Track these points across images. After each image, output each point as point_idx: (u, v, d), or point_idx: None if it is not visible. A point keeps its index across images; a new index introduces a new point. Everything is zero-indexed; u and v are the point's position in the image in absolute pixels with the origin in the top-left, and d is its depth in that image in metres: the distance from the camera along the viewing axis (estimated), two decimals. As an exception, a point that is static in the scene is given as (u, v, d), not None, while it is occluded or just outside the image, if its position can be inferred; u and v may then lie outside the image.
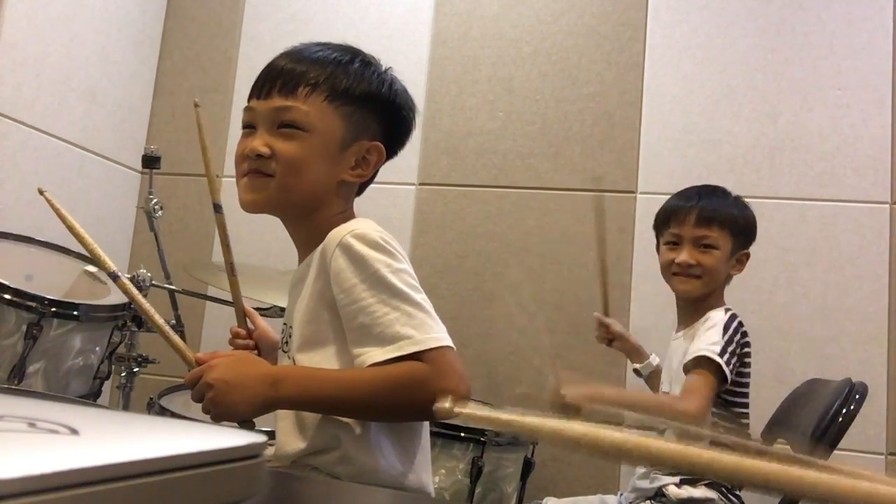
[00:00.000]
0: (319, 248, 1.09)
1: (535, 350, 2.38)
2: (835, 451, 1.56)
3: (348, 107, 1.11)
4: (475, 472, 1.61)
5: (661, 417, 1.56)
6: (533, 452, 1.81)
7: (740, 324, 1.66)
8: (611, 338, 1.95)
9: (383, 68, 1.17)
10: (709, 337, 1.62)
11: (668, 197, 1.90)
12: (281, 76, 1.11)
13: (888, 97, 2.25)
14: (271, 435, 1.30)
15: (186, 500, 0.33)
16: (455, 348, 1.02)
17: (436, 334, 1.00)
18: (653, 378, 1.92)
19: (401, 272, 1.04)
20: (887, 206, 2.21)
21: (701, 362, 1.59)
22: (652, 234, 2.34)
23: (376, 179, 1.23)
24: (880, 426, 2.11)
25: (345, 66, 1.12)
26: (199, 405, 1.03)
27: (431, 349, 0.98)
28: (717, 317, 1.67)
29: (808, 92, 2.31)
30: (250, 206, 1.13)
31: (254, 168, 1.10)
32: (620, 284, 2.35)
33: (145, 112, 2.79)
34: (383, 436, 1.06)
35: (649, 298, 2.34)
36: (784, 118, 2.31)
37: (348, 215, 1.16)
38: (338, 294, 1.04)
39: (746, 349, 1.66)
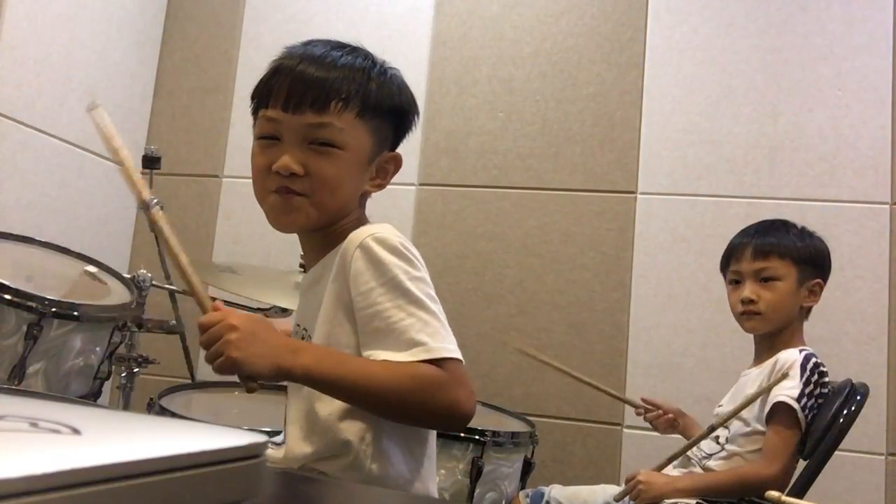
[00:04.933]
0: (339, 249, 1.08)
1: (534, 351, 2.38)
2: (835, 452, 1.56)
3: (376, 121, 1.10)
4: (475, 472, 1.61)
5: (743, 490, 1.55)
6: (533, 453, 1.81)
7: (817, 364, 1.59)
8: (671, 420, 1.87)
9: (389, 70, 1.15)
10: (786, 382, 1.56)
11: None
12: (311, 88, 1.06)
13: (888, 97, 2.25)
14: (272, 435, 1.30)
15: (187, 499, 0.33)
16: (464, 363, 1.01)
17: (449, 345, 0.99)
18: (686, 429, 1.86)
19: (418, 280, 1.03)
20: (887, 206, 2.21)
21: (779, 410, 1.55)
22: (652, 233, 2.36)
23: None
24: (880, 426, 2.11)
25: (369, 76, 1.10)
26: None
27: (444, 359, 0.97)
28: (791, 358, 1.60)
29: (808, 92, 2.31)
30: (287, 228, 1.11)
31: (284, 186, 1.06)
32: (621, 284, 2.35)
33: (145, 112, 2.79)
34: (393, 443, 1.06)
35: (649, 298, 2.34)
36: (784, 118, 2.32)
37: (362, 220, 1.16)
38: (355, 296, 1.03)
39: (824, 390, 1.59)
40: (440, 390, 0.96)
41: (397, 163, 1.16)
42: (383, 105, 1.11)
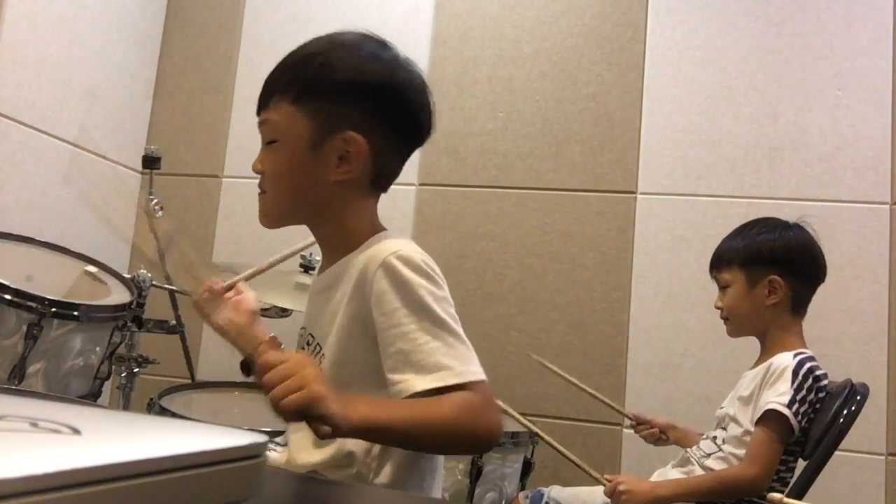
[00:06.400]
0: (355, 259, 1.06)
1: (535, 351, 2.38)
2: (835, 452, 1.56)
3: (314, 103, 1.04)
4: (475, 472, 1.61)
5: (725, 493, 1.56)
6: (533, 453, 1.82)
7: (812, 368, 1.57)
8: (660, 432, 1.90)
9: (352, 45, 1.09)
10: (777, 388, 1.56)
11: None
12: (262, 89, 1.09)
13: (888, 97, 2.25)
14: (272, 435, 1.30)
15: (187, 499, 0.33)
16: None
17: (473, 367, 0.98)
18: (682, 440, 1.89)
19: (442, 300, 1.01)
20: (887, 206, 2.21)
21: (768, 415, 1.55)
22: (652, 233, 2.36)
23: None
24: (880, 426, 2.11)
25: (312, 60, 1.06)
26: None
27: (471, 382, 0.96)
28: (783, 363, 1.59)
29: (808, 92, 2.31)
30: (262, 223, 1.12)
31: (259, 185, 1.11)
32: (620, 284, 2.35)
33: (145, 112, 2.79)
34: (400, 457, 1.05)
35: (649, 299, 2.34)
36: (784, 118, 2.32)
37: (374, 223, 1.12)
38: (377, 316, 1.00)
39: (821, 394, 1.58)
40: (482, 416, 0.95)
41: (357, 144, 1.04)
42: (322, 84, 1.04)
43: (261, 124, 1.09)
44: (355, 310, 1.04)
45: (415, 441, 0.97)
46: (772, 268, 1.68)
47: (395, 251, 1.02)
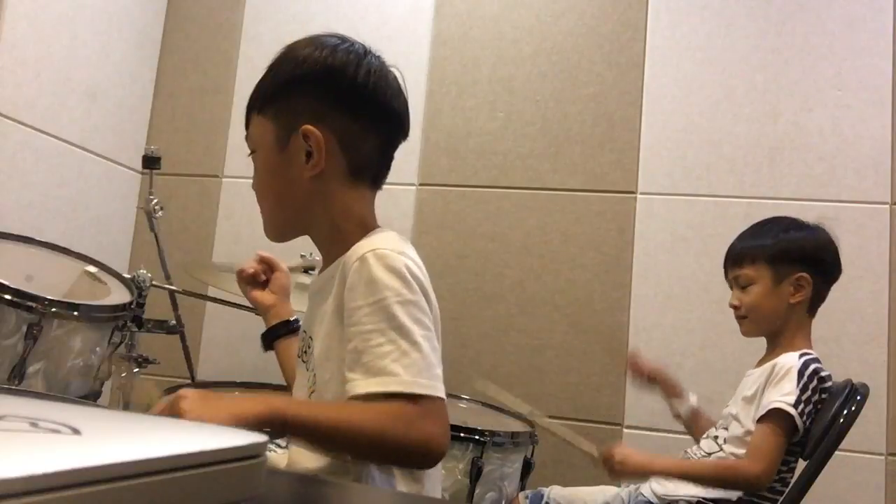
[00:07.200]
0: (343, 260, 1.05)
1: (535, 351, 2.38)
2: (835, 452, 1.56)
3: (272, 106, 1.09)
4: (475, 472, 1.61)
5: (723, 484, 1.56)
6: (533, 453, 1.81)
7: (816, 370, 1.58)
8: (647, 375, 1.88)
9: (290, 50, 1.09)
10: (782, 387, 1.56)
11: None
12: (245, 111, 1.16)
13: (888, 97, 2.25)
14: (273, 436, 1.30)
15: (187, 499, 0.33)
16: (444, 398, 0.95)
17: (423, 380, 0.93)
18: (693, 420, 1.85)
19: (409, 304, 0.97)
20: (887, 206, 2.21)
21: (773, 414, 1.54)
22: (652, 233, 2.36)
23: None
24: (880, 426, 2.11)
25: (269, 71, 1.10)
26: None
27: (416, 394, 0.92)
28: (789, 363, 1.59)
29: (808, 92, 2.31)
30: (269, 239, 1.16)
31: None
32: (621, 284, 2.35)
33: (145, 112, 2.79)
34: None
35: (649, 299, 2.34)
36: (784, 118, 2.31)
37: (367, 222, 1.12)
38: (345, 311, 1.00)
39: (824, 395, 1.58)
40: (411, 426, 0.91)
41: (314, 135, 1.05)
42: (275, 87, 1.08)
43: (246, 140, 1.14)
44: (337, 306, 1.04)
45: (336, 443, 0.96)
46: (800, 265, 1.67)
47: (374, 248, 1.01)
